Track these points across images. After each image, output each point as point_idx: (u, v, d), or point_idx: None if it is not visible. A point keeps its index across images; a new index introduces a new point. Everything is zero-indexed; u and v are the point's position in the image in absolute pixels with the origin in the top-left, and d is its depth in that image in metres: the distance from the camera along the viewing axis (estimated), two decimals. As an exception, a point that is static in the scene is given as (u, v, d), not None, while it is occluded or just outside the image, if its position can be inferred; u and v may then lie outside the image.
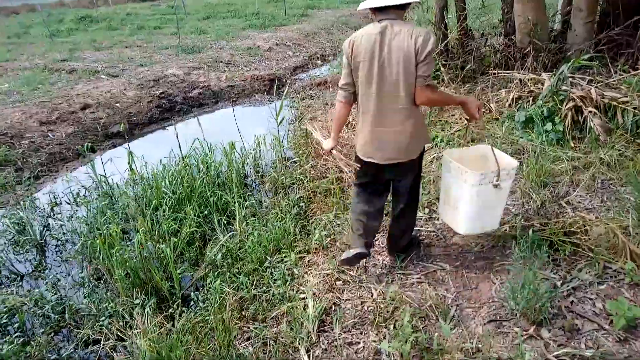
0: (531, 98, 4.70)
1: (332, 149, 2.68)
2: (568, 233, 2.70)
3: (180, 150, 4.57)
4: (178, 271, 3.26)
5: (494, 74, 5.76)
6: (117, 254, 3.24)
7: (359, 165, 2.55)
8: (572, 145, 3.80)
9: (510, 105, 4.82)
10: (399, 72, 2.22)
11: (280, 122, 5.39)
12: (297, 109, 7.85)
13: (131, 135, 7.18)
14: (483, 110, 4.62)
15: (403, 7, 2.29)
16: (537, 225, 2.80)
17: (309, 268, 3.25)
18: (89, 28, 19.86)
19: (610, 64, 4.96)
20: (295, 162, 5.33)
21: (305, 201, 4.32)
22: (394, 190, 2.67)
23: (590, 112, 3.84)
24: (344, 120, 2.62)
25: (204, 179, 4.47)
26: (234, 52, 11.42)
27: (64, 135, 6.62)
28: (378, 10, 2.27)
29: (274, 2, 24.20)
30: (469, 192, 2.39)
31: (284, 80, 9.93)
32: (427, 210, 3.39)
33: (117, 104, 7.76)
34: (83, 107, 7.38)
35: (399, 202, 2.66)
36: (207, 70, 9.80)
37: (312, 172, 4.71)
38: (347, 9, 20.48)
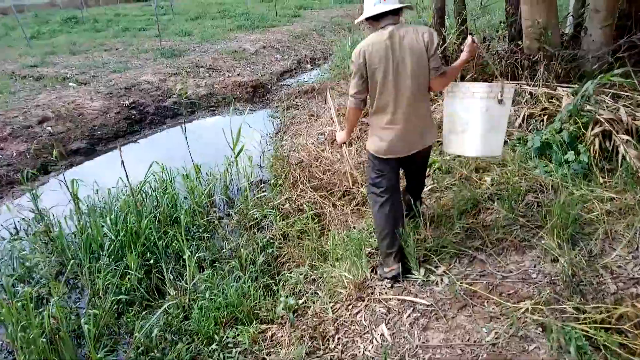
0: (545, 117, 3.97)
1: (344, 144, 2.94)
2: (610, 323, 1.97)
3: (128, 178, 3.79)
4: (100, 354, 2.52)
5: (499, 85, 5.02)
6: (23, 330, 2.50)
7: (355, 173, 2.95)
8: (601, 180, 3.08)
9: (520, 125, 4.09)
10: (414, 69, 2.44)
11: (239, 152, 4.62)
12: (281, 120, 7.12)
13: (92, 152, 6.43)
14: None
15: (398, 13, 2.49)
16: (570, 310, 2.07)
17: (272, 348, 2.52)
18: (72, 30, 19.07)
19: (633, 75, 4.24)
20: (269, 187, 4.61)
21: (276, 244, 3.59)
22: (408, 174, 2.94)
23: (622, 139, 3.11)
24: (357, 122, 2.92)
25: (155, 215, 3.73)
26: (217, 55, 10.66)
27: (14, 154, 5.86)
28: (375, 20, 2.49)
29: (266, 2, 23.45)
30: (479, 107, 2.50)
31: (269, 86, 9.20)
32: (422, 271, 2.65)
33: (81, 116, 7.01)
34: (41, 121, 6.62)
35: (414, 180, 2.94)
36: (186, 77, 9.04)
37: (286, 206, 3.98)
38: (341, 8, 19.75)
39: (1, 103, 7.17)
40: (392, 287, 2.66)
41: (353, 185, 3.92)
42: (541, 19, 4.84)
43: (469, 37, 2.56)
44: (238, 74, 9.47)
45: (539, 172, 3.31)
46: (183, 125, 5.56)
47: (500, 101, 2.48)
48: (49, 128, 6.55)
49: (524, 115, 4.10)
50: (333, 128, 5.11)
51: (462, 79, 5.51)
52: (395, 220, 2.66)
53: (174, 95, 8.22)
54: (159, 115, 7.67)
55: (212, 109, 8.18)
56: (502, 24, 6.09)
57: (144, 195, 4.12)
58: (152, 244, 3.47)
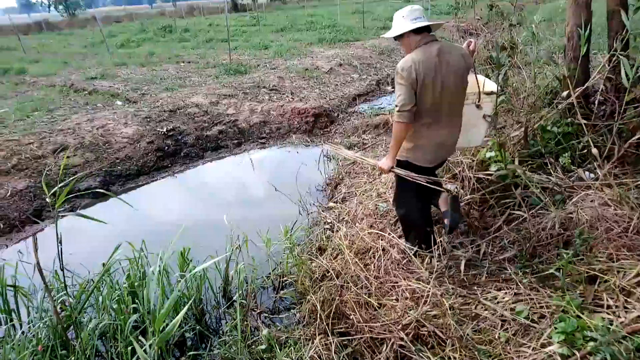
0: None
1: (392, 168, 2.78)
2: None
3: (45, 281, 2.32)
4: None
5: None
6: None
7: (424, 178, 2.69)
8: None
9: None
10: (457, 85, 2.60)
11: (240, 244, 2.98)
12: (337, 165, 5.43)
13: (103, 195, 5.26)
14: None
15: (431, 29, 2.63)
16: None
17: None
18: (161, 39, 19.20)
19: None
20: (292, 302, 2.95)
21: None
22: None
23: None
24: (404, 140, 2.68)
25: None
26: (285, 74, 9.30)
27: (8, 193, 4.85)
28: (414, 33, 2.57)
29: (358, 13, 22.02)
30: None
31: (336, 114, 7.56)
32: None
33: (106, 145, 5.95)
34: (58, 149, 5.64)
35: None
36: (242, 99, 7.75)
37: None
38: (438, 20, 17.59)
39: (28, 124, 6.36)
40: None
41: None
42: None
43: (470, 41, 2.75)
44: (301, 98, 7.96)
45: None
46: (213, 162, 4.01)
47: (478, 106, 2.87)
48: (65, 159, 5.53)
49: None
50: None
51: (620, 136, 3.43)
52: (425, 224, 2.93)
53: (221, 123, 6.93)
54: (197, 147, 6.39)
55: (262, 141, 6.74)
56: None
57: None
58: None
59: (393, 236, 3.09)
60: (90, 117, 6.62)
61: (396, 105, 2.54)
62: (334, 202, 4.46)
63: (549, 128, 3.57)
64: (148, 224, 4.53)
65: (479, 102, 2.79)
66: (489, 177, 3.33)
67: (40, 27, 32.67)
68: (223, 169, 6.00)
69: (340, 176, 5.05)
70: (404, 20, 2.55)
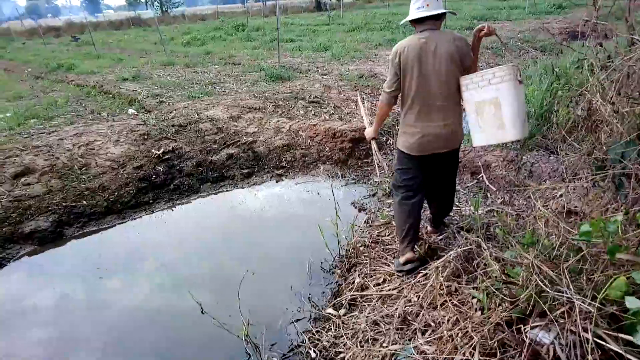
0: None
1: (373, 139, 3.13)
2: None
3: None
4: None
5: None
6: None
7: (386, 168, 3.32)
8: None
9: None
10: (447, 72, 2.53)
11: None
12: (363, 227, 3.74)
13: (54, 239, 4.05)
14: None
15: (439, 19, 2.60)
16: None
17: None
18: (229, 37, 18.48)
19: None
20: None
21: None
22: (439, 180, 2.93)
23: None
24: (385, 118, 2.94)
25: None
26: (333, 82, 7.69)
27: None
28: (418, 23, 2.59)
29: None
30: (512, 86, 2.40)
31: (385, 138, 5.81)
32: None
33: (84, 169, 4.78)
34: (21, 173, 4.55)
35: (443, 187, 2.98)
36: (270, 114, 6.27)
37: None
38: (536, 20, 14.87)
39: (6, 137, 5.39)
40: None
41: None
42: None
43: (482, 25, 2.59)
44: (341, 116, 6.29)
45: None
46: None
47: (520, 82, 2.47)
48: (24, 187, 4.43)
49: None
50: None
51: None
52: (414, 218, 2.84)
53: (234, 145, 5.50)
54: (195, 176, 5.01)
55: (279, 171, 5.20)
56: None
57: None
58: None
59: None
60: (82, 130, 5.52)
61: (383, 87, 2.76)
62: (334, 309, 2.79)
63: None
64: (81, 307, 3.19)
65: (519, 76, 2.45)
66: None
67: (130, 23, 34.21)
68: (215, 211, 4.55)
69: (360, 249, 3.35)
70: (411, 9, 2.60)
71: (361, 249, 3.31)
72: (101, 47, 17.90)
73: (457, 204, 3.74)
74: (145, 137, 5.42)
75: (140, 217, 4.42)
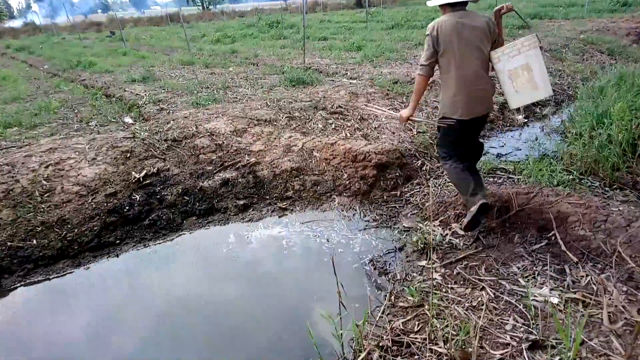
0: None
1: (411, 116, 3.25)
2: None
3: None
4: None
5: None
6: None
7: (451, 121, 2.97)
8: None
9: None
10: (479, 46, 2.83)
11: None
12: (396, 292, 2.64)
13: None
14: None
15: (466, 3, 2.90)
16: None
17: None
18: (261, 34, 17.63)
19: None
20: None
21: None
22: (470, 142, 3.22)
23: None
24: (424, 91, 3.12)
25: None
26: (362, 88, 6.56)
27: None
28: (450, 6, 2.88)
29: (492, 9, 18.07)
30: (538, 52, 2.83)
31: (419, 162, 4.66)
32: None
33: (45, 196, 3.92)
34: (-34, 200, 3.74)
35: (473, 143, 3.27)
36: (282, 127, 5.24)
37: None
38: (598, 19, 13.10)
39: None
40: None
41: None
42: None
43: (503, 5, 2.93)
44: (367, 133, 5.16)
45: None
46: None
47: (541, 47, 2.81)
48: (-34, 218, 3.60)
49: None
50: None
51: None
52: (470, 174, 3.06)
53: (233, 167, 4.51)
54: (178, 208, 4.05)
55: (283, 204, 4.15)
56: None
57: None
58: None
59: None
60: (57, 144, 4.68)
61: (420, 62, 3.00)
62: None
63: None
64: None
65: (540, 43, 2.85)
66: None
67: (169, 19, 34.16)
68: (191, 261, 3.52)
69: (375, 343, 2.25)
70: None
71: (374, 358, 2.20)
72: (133, 43, 17.49)
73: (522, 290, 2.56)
74: (128, 155, 4.51)
75: (98, 263, 3.49)
